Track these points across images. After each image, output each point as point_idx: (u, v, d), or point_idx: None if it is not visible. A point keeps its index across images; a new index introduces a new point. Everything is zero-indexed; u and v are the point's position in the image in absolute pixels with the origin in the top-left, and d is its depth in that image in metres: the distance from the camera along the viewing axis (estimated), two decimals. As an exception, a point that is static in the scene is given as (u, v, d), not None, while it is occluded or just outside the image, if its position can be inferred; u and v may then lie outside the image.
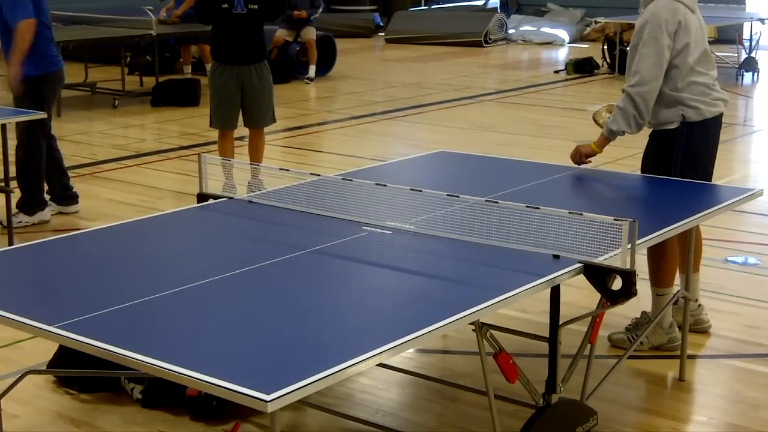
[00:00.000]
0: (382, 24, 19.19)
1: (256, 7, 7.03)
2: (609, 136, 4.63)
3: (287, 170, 4.36)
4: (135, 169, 8.41)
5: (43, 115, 6.29)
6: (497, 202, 3.67)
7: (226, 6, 6.98)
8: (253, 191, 4.63)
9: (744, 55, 13.28)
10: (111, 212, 6.92)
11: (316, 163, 8.78)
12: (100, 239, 3.84)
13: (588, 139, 4.78)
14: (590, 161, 4.75)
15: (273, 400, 2.34)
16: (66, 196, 7.02)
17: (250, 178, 6.43)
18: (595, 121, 4.88)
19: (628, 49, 4.73)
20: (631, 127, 4.54)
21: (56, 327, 2.78)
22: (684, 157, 4.56)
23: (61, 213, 6.99)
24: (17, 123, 6.46)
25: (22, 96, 6.55)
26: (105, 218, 6.50)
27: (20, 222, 6.62)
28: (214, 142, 8.10)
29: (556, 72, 14.39)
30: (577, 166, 4.75)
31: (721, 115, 4.65)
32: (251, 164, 5.06)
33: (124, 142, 9.70)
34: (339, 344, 2.72)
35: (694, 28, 4.53)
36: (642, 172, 4.73)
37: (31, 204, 6.76)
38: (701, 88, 4.56)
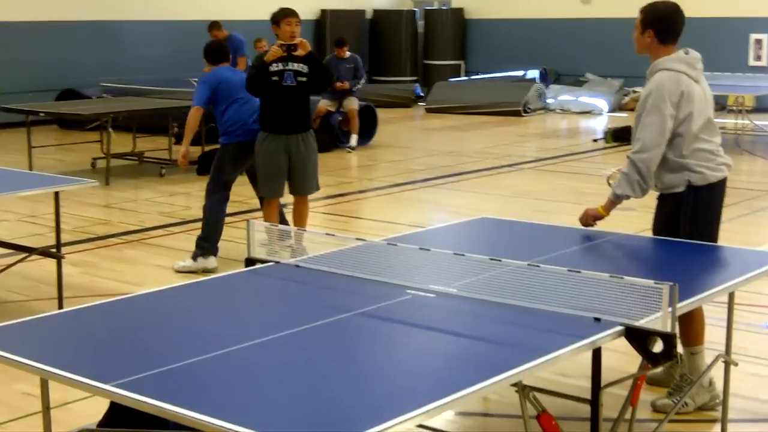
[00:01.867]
0: (422, 94, 19.45)
1: (305, 79, 7.24)
2: (615, 200, 4.84)
3: (333, 235, 4.46)
4: (181, 236, 8.57)
5: (90, 183, 6.56)
6: (539, 266, 3.75)
7: (276, 79, 7.18)
8: (296, 257, 4.73)
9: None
10: (158, 278, 7.06)
11: (357, 229, 8.91)
12: (151, 302, 3.95)
13: (626, 206, 4.89)
14: (596, 224, 4.92)
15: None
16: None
17: (294, 243, 6.55)
18: (609, 183, 5.04)
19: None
20: (635, 191, 4.76)
21: (111, 385, 2.88)
22: (692, 220, 4.74)
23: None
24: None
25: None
26: (152, 283, 6.62)
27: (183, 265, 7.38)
28: (258, 209, 8.25)
29: (595, 140, 14.48)
30: (586, 228, 4.93)
31: (725, 179, 4.83)
32: (298, 229, 5.16)
33: (171, 209, 9.89)
34: (380, 405, 2.77)
35: (697, 97, 4.72)
36: (653, 234, 4.90)
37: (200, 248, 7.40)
38: (706, 154, 4.75)
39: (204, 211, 7.65)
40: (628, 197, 4.80)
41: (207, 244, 7.47)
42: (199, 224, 7.67)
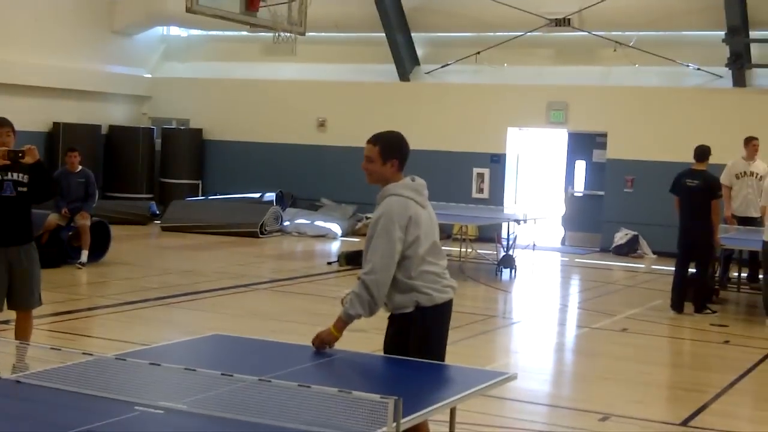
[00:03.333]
0: (158, 212, 19.25)
1: (25, 189, 7.02)
2: (347, 320, 4.95)
3: (58, 349, 4.32)
4: None
5: None
6: (270, 381, 3.78)
7: (-5, 188, 6.92)
8: (17, 373, 4.52)
9: (502, 253, 14.15)
10: None
11: (85, 348, 8.57)
12: None
13: (358, 327, 5.02)
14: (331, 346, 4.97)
15: None
16: None
17: (15, 361, 6.24)
18: (343, 304, 5.13)
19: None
20: (365, 310, 4.91)
21: None
22: (420, 339, 4.95)
23: None
24: None
25: None
26: None
27: None
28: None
29: (329, 263, 14.82)
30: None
31: (451, 300, 5.10)
32: (20, 342, 4.95)
33: None
34: None
35: (424, 222, 5.01)
36: (384, 352, 5.06)
37: None
38: (432, 276, 5.01)
39: None
40: (359, 316, 4.93)
41: None
42: None
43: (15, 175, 6.95)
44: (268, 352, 5.24)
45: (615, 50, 17.41)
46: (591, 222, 18.05)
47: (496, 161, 18.64)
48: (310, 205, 19.60)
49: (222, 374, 3.90)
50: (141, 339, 8.74)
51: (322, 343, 4.94)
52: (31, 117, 18.52)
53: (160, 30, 21.90)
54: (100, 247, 13.50)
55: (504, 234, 14.70)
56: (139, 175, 20.56)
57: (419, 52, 19.47)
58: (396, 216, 4.89)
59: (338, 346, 5.01)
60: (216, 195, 20.07)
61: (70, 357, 4.34)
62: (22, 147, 6.92)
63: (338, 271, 14.15)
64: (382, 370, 4.98)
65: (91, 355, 4.25)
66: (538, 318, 11.50)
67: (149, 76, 21.65)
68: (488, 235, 16.23)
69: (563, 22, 17.78)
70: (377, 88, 19.57)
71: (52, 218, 12.93)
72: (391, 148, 5.00)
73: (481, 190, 18.71)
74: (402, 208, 4.92)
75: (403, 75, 19.27)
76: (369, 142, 5.01)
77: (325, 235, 18.18)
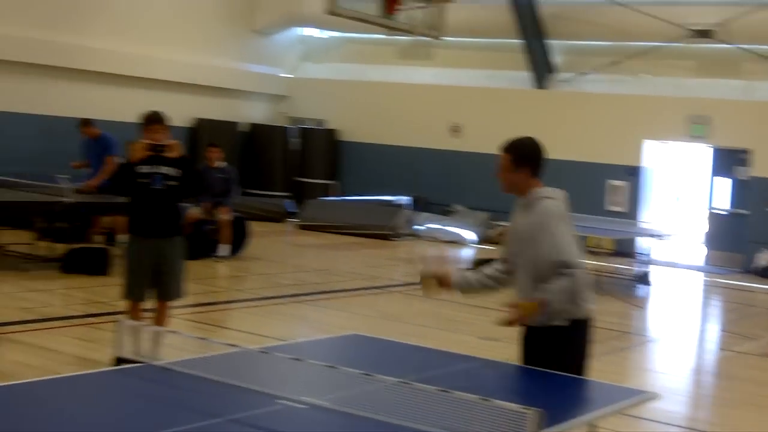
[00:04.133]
0: (293, 210, 19.58)
1: (175, 183, 7.17)
2: (548, 307, 4.66)
3: (205, 339, 4.43)
4: (39, 333, 8.30)
5: None
6: (410, 384, 3.79)
7: (145, 181, 7.09)
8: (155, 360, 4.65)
9: (640, 268, 13.86)
10: (14, 372, 6.79)
11: (223, 339, 8.77)
12: (12, 396, 3.82)
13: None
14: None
15: None
16: None
17: (155, 348, 6.43)
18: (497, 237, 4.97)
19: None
20: (571, 305, 4.69)
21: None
22: (567, 353, 4.77)
23: None
24: None
25: None
26: (7, 378, 6.37)
27: None
28: (121, 312, 8.07)
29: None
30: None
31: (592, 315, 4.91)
32: (167, 330, 5.10)
33: (31, 305, 9.59)
34: None
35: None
36: (522, 362, 4.88)
37: None
38: (583, 288, 4.78)
39: None
40: (561, 313, 4.71)
41: None
42: (60, 322, 7.43)
43: (164, 168, 7.12)
44: (406, 355, 5.25)
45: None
46: (734, 241, 17.44)
47: (632, 173, 18.26)
48: (442, 210, 19.60)
49: (362, 374, 3.93)
50: (276, 334, 8.91)
51: (524, 316, 4.72)
52: (174, 112, 18.93)
53: (299, 31, 22.27)
54: (238, 242, 13.83)
55: (642, 249, 14.38)
56: (276, 173, 20.96)
57: (556, 59, 19.25)
58: (557, 215, 4.75)
59: (473, 353, 4.98)
60: (350, 196, 20.28)
61: (214, 347, 4.45)
62: (163, 142, 7.10)
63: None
64: (521, 380, 4.93)
65: (236, 346, 4.34)
66: (676, 337, 11.20)
67: (287, 75, 22.04)
68: (625, 249, 15.92)
69: (705, 34, 17.31)
70: (512, 95, 19.45)
71: (194, 212, 13.30)
72: (522, 156, 4.89)
73: (616, 203, 18.36)
74: (560, 210, 4.80)
75: (539, 82, 19.11)
76: (501, 149, 4.94)
77: (458, 241, 18.14)
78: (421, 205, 19.86)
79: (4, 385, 4.00)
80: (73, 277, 11.15)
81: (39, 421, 3.49)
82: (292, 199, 20.31)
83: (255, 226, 15.17)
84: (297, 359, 4.09)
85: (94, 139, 13.35)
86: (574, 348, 4.84)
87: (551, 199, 4.84)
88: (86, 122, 13.57)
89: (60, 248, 12.12)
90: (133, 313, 7.25)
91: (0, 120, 16.46)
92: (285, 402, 3.79)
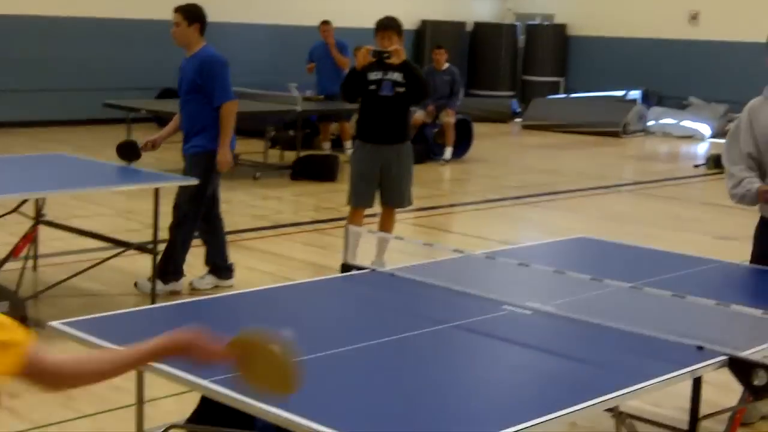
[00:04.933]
0: (519, 110, 19.31)
1: (403, 90, 7.14)
2: None
3: (431, 245, 4.42)
4: (272, 240, 8.62)
5: (194, 181, 6.49)
6: (642, 289, 3.64)
7: (373, 87, 7.12)
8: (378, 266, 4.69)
9: None
10: (249, 279, 7.08)
11: (447, 243, 8.82)
12: (245, 302, 3.96)
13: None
14: None
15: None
16: (224, 268, 7.06)
17: (379, 254, 6.55)
18: None
19: None
20: None
21: (208, 381, 2.87)
22: None
23: (216, 287, 6.92)
24: (181, 193, 6.65)
25: (192, 168, 6.70)
26: (245, 284, 6.65)
27: (156, 290, 6.50)
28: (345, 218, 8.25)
29: (696, 166, 14.17)
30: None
31: None
32: (395, 237, 5.13)
33: (263, 212, 9.97)
34: (466, 420, 2.72)
35: None
36: (752, 262, 4.65)
37: (171, 272, 6.77)
38: None
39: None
40: None
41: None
42: (291, 228, 7.64)
43: (393, 74, 7.08)
44: (636, 258, 5.06)
45: None
46: None
47: None
48: (677, 103, 18.78)
49: (591, 279, 3.80)
50: (501, 237, 8.86)
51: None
52: (399, 13, 19.05)
53: None
54: (462, 144, 13.80)
55: None
56: (502, 72, 20.70)
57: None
58: None
59: (708, 254, 4.74)
60: (578, 93, 19.77)
61: (440, 253, 4.43)
62: (388, 48, 7.07)
63: (705, 175, 13.50)
64: (760, 282, 4.66)
65: (461, 252, 4.31)
66: None
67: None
68: None
69: None
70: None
71: (418, 115, 13.33)
72: None
73: None
74: None
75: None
76: None
77: (692, 136, 17.39)
78: (654, 99, 19.11)
79: (241, 293, 4.15)
80: (302, 183, 11.49)
81: (277, 324, 3.59)
82: (517, 98, 20.03)
83: (479, 128, 15.07)
84: (523, 264, 4.01)
85: (326, 43, 13.61)
86: None
87: None
88: (326, 22, 13.86)
89: (290, 156, 12.51)
90: (356, 219, 7.35)
91: (233, 31, 17.02)
92: (510, 308, 3.74)
